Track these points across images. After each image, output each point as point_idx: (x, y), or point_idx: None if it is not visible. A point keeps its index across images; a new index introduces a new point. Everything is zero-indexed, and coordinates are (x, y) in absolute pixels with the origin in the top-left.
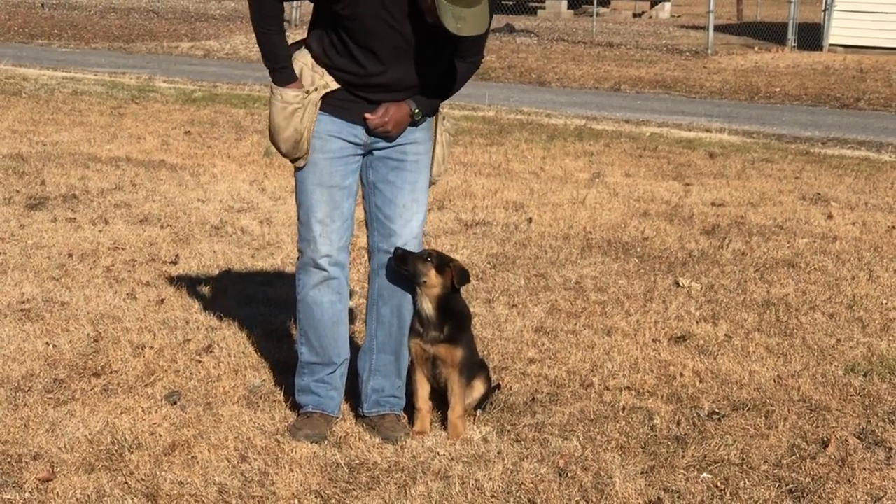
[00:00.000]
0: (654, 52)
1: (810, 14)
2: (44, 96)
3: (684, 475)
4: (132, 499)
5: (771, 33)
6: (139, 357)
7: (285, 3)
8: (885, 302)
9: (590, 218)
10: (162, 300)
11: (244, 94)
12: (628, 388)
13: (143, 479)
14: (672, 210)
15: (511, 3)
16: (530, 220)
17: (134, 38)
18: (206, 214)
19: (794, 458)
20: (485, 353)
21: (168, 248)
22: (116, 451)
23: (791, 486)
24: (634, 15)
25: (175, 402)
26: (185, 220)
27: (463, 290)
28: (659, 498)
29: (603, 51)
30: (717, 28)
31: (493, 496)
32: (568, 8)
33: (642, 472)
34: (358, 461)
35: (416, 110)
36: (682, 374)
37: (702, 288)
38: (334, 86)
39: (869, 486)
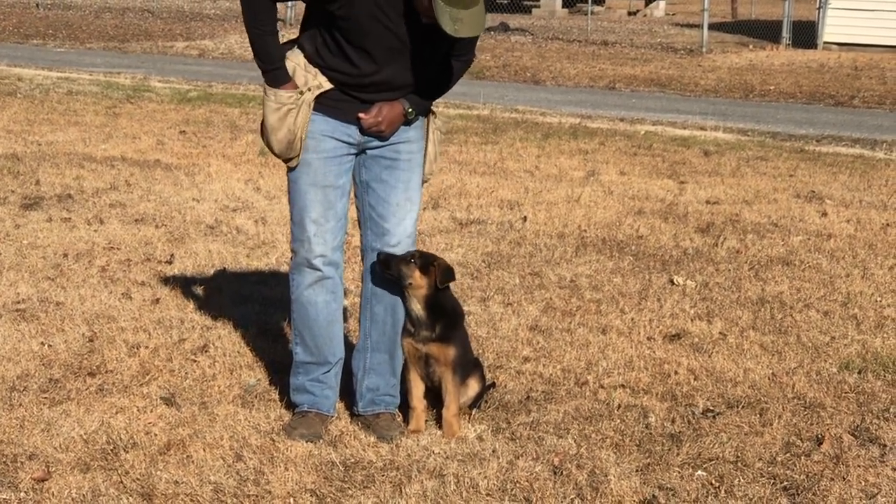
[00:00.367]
0: (649, 51)
1: (805, 12)
2: (39, 96)
3: (679, 473)
4: (127, 498)
5: (765, 31)
6: (134, 357)
7: (279, 3)
8: (879, 299)
9: (584, 216)
10: (157, 300)
11: (239, 93)
12: (623, 386)
13: (138, 479)
14: (667, 208)
15: (506, 1)
16: (525, 218)
17: (129, 38)
18: (201, 214)
19: (788, 455)
20: (480, 351)
21: (163, 247)
22: (112, 450)
23: (786, 483)
24: (629, 13)
25: (170, 402)
26: (180, 220)
27: (457, 288)
28: (654, 495)
29: (598, 49)
30: (712, 26)
31: (488, 494)
32: (563, 6)
33: (637, 470)
34: (353, 460)
35: (410, 110)
36: (676, 372)
37: (696, 286)
38: (328, 86)
39: (863, 483)
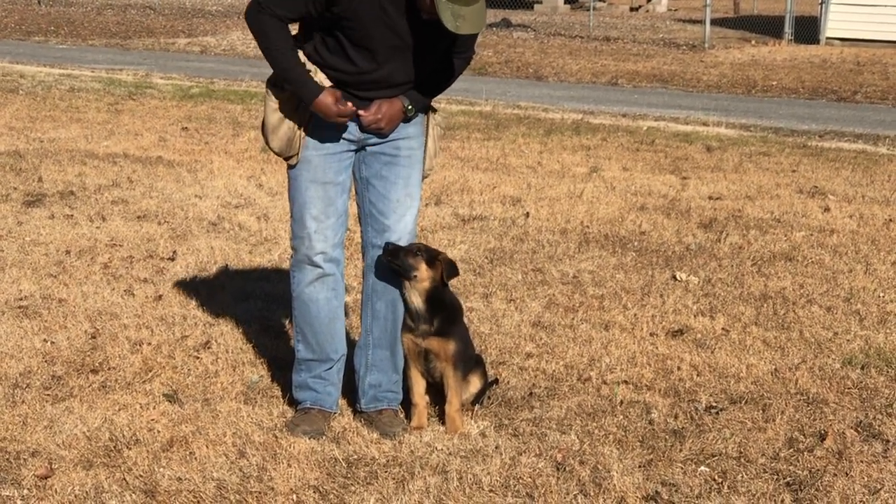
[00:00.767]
0: (651, 46)
1: (807, 7)
2: (41, 93)
3: (682, 468)
4: (130, 495)
5: (768, 27)
6: (137, 353)
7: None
8: (882, 295)
9: (587, 212)
10: (159, 296)
11: (241, 90)
12: (626, 382)
13: (141, 476)
14: (669, 204)
15: None
16: (527, 214)
17: (131, 35)
18: (203, 211)
19: (791, 451)
20: (482, 347)
21: (165, 244)
22: (114, 447)
23: (788, 478)
24: (631, 9)
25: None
26: (182, 217)
27: (459, 284)
28: (657, 491)
29: (600, 45)
30: (714, 22)
31: (491, 490)
32: (565, 2)
33: (640, 466)
34: (356, 456)
35: (409, 106)
36: (679, 368)
37: (699, 282)
38: (327, 83)
39: (866, 479)
